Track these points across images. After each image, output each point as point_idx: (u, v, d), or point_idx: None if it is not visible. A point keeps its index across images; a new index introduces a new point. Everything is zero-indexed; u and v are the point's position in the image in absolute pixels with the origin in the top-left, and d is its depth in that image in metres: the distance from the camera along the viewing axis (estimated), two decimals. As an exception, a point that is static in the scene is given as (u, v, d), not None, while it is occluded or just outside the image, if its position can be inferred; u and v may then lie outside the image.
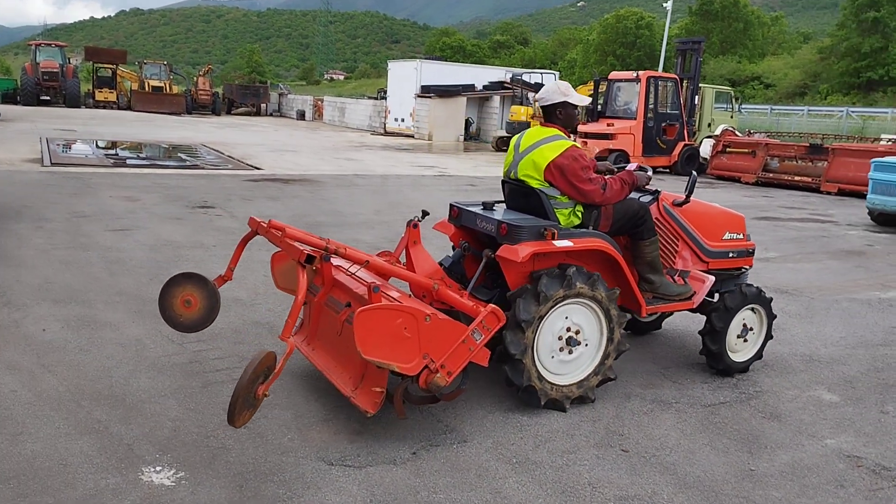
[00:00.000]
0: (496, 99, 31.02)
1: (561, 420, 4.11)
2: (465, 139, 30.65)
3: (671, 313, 5.61)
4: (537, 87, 28.98)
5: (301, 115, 44.27)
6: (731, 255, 5.01)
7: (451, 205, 4.75)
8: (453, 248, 4.85)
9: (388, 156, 21.98)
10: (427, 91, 30.55)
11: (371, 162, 19.45)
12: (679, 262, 4.90)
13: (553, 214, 4.34)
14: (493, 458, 3.64)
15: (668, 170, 19.91)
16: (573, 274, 4.08)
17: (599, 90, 20.35)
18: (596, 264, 4.33)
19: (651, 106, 19.25)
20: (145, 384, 4.27)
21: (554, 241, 4.08)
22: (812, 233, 11.23)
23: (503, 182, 4.74)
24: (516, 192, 4.58)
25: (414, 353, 3.55)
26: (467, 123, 31.23)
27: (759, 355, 5.01)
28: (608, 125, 19.23)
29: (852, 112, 33.57)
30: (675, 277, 4.78)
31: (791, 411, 4.40)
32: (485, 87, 31.36)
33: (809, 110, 35.22)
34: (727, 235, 5.00)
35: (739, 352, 4.92)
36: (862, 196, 15.51)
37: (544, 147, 4.33)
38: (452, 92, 30.38)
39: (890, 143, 17.66)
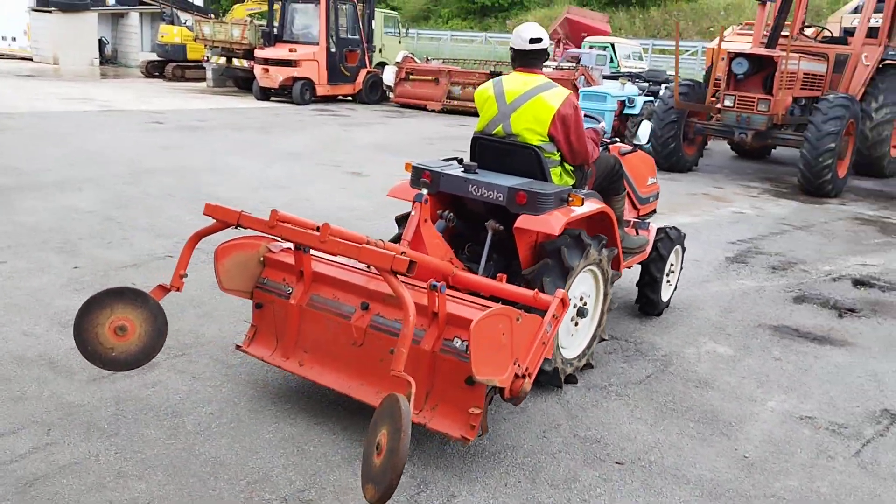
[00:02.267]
0: (134, 16, 27.23)
1: (521, 435, 3.43)
2: (100, 63, 26.46)
3: None
4: (187, 4, 26.02)
5: None
6: (651, 199, 5.06)
7: (415, 167, 3.98)
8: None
9: (15, 85, 17.99)
10: (45, 4, 25.54)
11: (1, 94, 15.71)
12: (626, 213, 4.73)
13: (549, 174, 3.89)
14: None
15: (351, 98, 19.37)
16: (591, 241, 3.74)
17: (274, 9, 18.77)
18: (593, 226, 3.97)
19: (332, 30, 18.33)
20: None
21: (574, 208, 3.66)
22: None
23: (477, 138, 4.07)
24: (498, 150, 3.99)
25: (508, 360, 2.88)
26: (101, 44, 26.97)
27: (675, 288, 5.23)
28: (290, 50, 17.88)
29: (489, 37, 36.15)
30: (631, 229, 4.71)
31: (711, 375, 4.25)
32: (118, 1, 27.26)
33: (453, 35, 37.06)
34: (650, 181, 4.98)
35: (666, 291, 5.04)
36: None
37: (544, 95, 3.85)
38: (79, 6, 25.80)
39: (548, 69, 19.12)
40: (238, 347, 3.69)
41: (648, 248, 4.74)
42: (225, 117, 14.71)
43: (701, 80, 11.64)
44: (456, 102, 17.98)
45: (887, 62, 11.00)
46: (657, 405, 3.85)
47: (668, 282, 5.01)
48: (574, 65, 18.13)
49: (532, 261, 3.74)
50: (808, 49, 10.63)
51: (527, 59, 3.98)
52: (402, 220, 4.04)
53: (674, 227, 5.04)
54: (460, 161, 4.09)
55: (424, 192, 3.68)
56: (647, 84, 12.63)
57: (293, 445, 3.23)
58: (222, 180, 8.51)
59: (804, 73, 10.24)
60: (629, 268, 4.72)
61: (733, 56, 10.00)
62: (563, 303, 3.14)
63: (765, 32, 10.55)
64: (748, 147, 11.39)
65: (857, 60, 10.69)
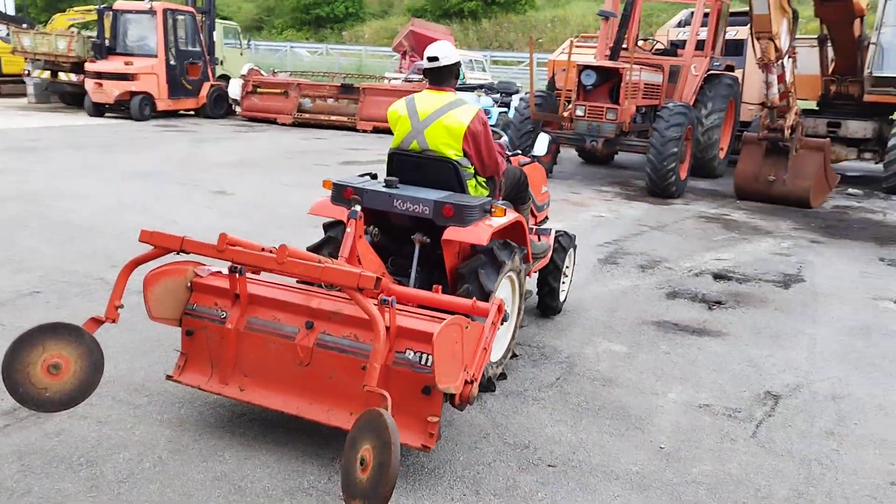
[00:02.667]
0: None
1: (454, 448, 3.48)
2: None
3: None
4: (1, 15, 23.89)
5: None
6: (545, 206, 5.33)
7: (335, 184, 4.02)
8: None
9: None
10: None
11: None
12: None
13: (466, 187, 4.05)
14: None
15: (193, 112, 18.59)
16: (514, 248, 3.98)
17: (105, 20, 17.64)
18: (507, 235, 4.08)
19: (171, 42, 17.51)
20: None
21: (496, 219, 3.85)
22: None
23: (394, 154, 4.17)
24: (416, 165, 4.08)
25: (460, 367, 2.98)
26: None
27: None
28: (126, 63, 16.89)
29: (330, 49, 35.89)
30: (534, 235, 4.94)
31: (613, 373, 4.48)
32: None
33: (293, 47, 36.45)
34: (543, 189, 5.28)
35: (562, 292, 5.37)
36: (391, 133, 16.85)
37: (454, 113, 3.99)
38: None
39: (397, 81, 19.34)
40: (169, 377, 3.51)
41: (550, 253, 5.04)
42: (59, 136, 13.67)
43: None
44: (307, 115, 17.73)
45: (712, 72, 12.06)
46: (572, 406, 4.02)
47: (562, 282, 5.30)
48: (420, 77, 18.42)
49: (457, 272, 3.87)
50: (646, 61, 11.44)
51: (435, 77, 4.10)
52: (329, 227, 4.15)
53: (564, 231, 5.33)
54: (373, 176, 4.15)
55: (358, 208, 3.68)
56: (499, 95, 13.09)
57: (228, 484, 3.09)
58: (75, 205, 7.92)
59: (645, 84, 11.03)
60: (535, 272, 4.93)
61: (582, 68, 10.58)
62: (500, 309, 3.25)
63: (608, 45, 11.23)
64: (597, 154, 12.07)
65: (688, 71, 11.64)
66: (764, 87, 9.61)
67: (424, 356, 3.05)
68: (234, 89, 18.80)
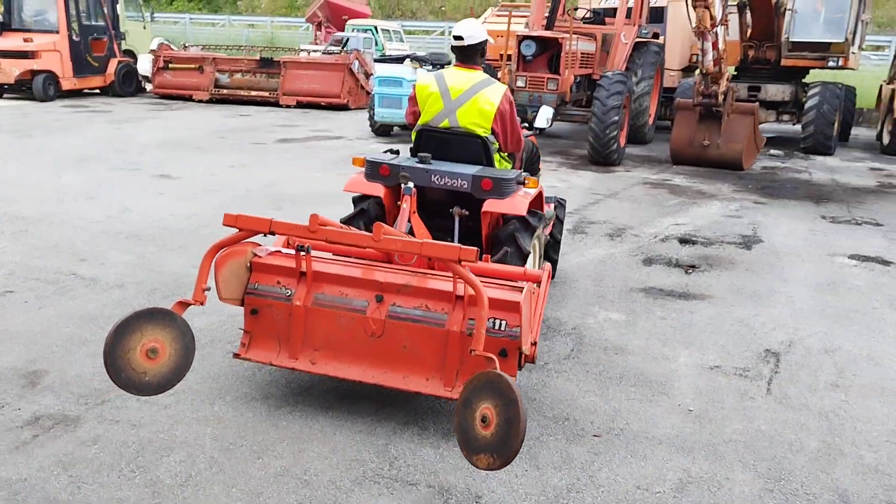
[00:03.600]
0: None
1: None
2: None
3: None
4: None
5: None
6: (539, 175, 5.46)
7: (369, 161, 4.20)
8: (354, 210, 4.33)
9: None
10: None
11: None
12: None
13: (493, 161, 4.23)
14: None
15: (99, 91, 17.63)
16: (540, 214, 4.19)
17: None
18: (533, 203, 4.24)
19: (73, 16, 16.47)
20: None
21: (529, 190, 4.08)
22: (344, 152, 11.42)
23: (423, 130, 4.28)
24: (445, 142, 4.22)
25: (530, 330, 3.29)
26: None
27: None
28: (25, 40, 15.78)
29: (233, 20, 34.60)
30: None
31: (621, 341, 4.60)
32: None
33: (192, 19, 34.89)
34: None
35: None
36: (317, 107, 16.53)
37: (486, 92, 4.14)
38: None
39: (316, 54, 18.84)
40: (236, 356, 3.53)
41: (553, 219, 5.21)
42: (-38, 121, 12.70)
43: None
44: (225, 91, 17.10)
45: (640, 40, 12.35)
46: (594, 376, 4.11)
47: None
48: (339, 49, 18.07)
49: (491, 240, 4.08)
50: (581, 30, 11.60)
51: (463, 55, 4.22)
52: (359, 200, 4.29)
53: (557, 199, 5.42)
54: (395, 152, 4.29)
55: (411, 184, 3.84)
56: (431, 67, 12.95)
57: (292, 479, 3.02)
58: (15, 194, 7.41)
59: (581, 53, 11.19)
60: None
61: (522, 38, 10.63)
62: (549, 275, 3.38)
63: (545, 15, 11.31)
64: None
65: (619, 39, 11.88)
66: (700, 54, 9.93)
67: (498, 322, 3.22)
68: (144, 65, 17.93)
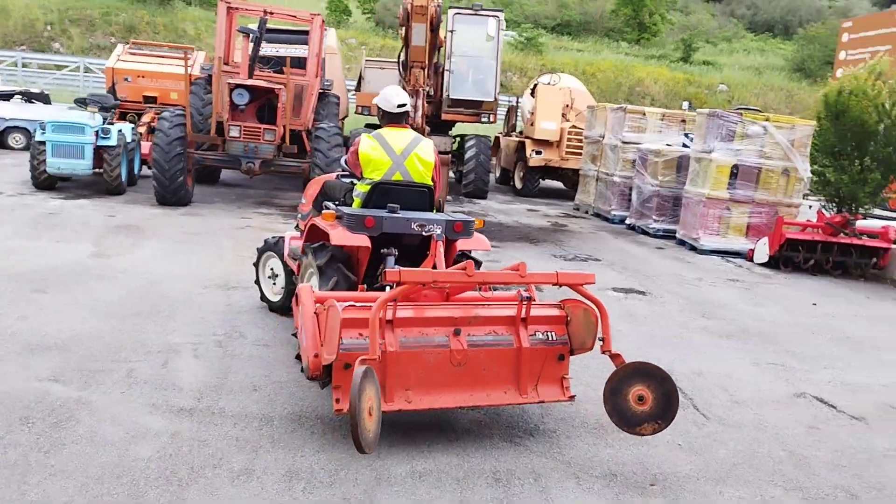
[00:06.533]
0: None
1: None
2: None
3: None
4: None
5: None
6: None
7: (348, 214, 4.57)
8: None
9: None
10: None
11: None
12: None
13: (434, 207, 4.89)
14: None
15: None
16: None
17: None
18: None
19: None
20: None
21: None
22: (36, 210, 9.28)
23: (378, 185, 4.72)
24: (396, 192, 4.72)
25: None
26: None
27: None
28: None
29: None
30: None
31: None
32: None
33: None
34: None
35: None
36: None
37: (422, 146, 4.92)
38: None
39: None
40: (338, 412, 3.61)
41: None
42: None
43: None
44: None
45: (322, 91, 12.57)
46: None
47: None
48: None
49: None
50: (278, 80, 11.33)
51: (399, 118, 4.98)
52: (318, 250, 4.73)
53: None
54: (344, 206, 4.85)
55: (439, 230, 4.51)
56: (107, 113, 11.30)
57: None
58: None
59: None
60: None
61: (234, 87, 10.05)
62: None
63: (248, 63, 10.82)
64: (253, 175, 11.42)
65: (312, 90, 11.88)
66: (412, 111, 10.56)
67: (550, 333, 4.08)
68: None
